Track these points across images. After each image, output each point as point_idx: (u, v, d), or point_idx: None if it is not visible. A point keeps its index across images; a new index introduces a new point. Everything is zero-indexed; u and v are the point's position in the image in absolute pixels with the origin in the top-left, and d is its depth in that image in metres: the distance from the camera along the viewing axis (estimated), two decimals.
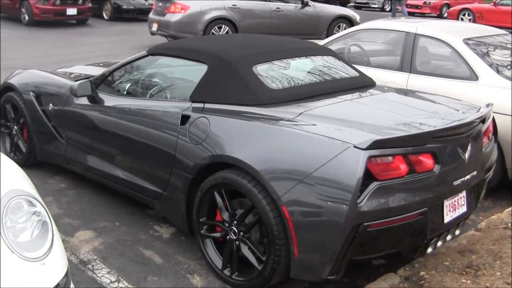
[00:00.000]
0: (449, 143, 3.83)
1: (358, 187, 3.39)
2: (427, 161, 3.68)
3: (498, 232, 4.79)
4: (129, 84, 5.28)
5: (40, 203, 2.95)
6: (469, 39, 6.23)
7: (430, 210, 3.72)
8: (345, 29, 14.60)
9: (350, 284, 4.14)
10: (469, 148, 3.99)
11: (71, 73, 6.28)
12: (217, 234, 4.12)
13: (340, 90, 4.66)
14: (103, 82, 5.36)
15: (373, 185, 3.46)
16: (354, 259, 3.64)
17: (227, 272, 4.05)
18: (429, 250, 4.02)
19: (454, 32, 6.53)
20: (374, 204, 3.46)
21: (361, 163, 3.41)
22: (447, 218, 3.92)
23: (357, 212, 3.41)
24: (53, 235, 2.87)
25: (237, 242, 3.95)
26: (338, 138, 3.59)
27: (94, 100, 5.19)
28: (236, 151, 3.92)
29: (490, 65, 5.86)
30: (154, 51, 5.18)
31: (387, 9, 30.62)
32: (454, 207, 3.99)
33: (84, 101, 5.27)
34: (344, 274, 3.72)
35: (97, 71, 5.93)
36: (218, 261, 4.12)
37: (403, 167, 3.56)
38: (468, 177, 4.01)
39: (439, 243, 4.07)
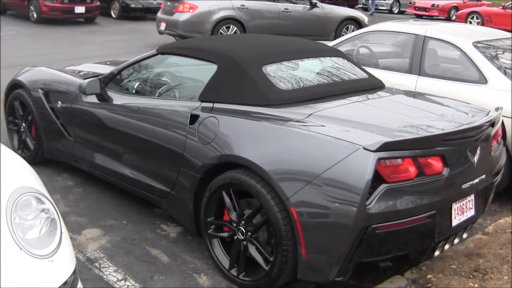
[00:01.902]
0: (458, 146, 3.82)
1: (367, 189, 3.38)
2: (436, 164, 3.67)
3: (505, 236, 4.78)
4: (138, 83, 5.28)
5: (49, 200, 2.95)
6: (478, 42, 6.22)
7: (439, 213, 3.71)
8: (353, 30, 14.60)
9: (356, 286, 4.13)
10: (478, 151, 3.98)
11: (80, 71, 6.29)
12: (225, 234, 4.12)
13: (349, 91, 4.65)
14: (112, 80, 5.36)
15: (382, 187, 3.45)
16: (361, 261, 3.63)
17: (234, 272, 4.05)
18: (437, 253, 4.01)
19: (464, 35, 6.51)
20: (383, 206, 3.45)
21: (370, 165, 3.40)
22: (455, 222, 3.91)
23: (365, 214, 3.40)
24: (61, 232, 2.87)
25: (244, 242, 3.94)
26: (347, 139, 3.59)
27: (103, 98, 5.20)
28: (244, 151, 3.92)
29: (499, 69, 5.85)
30: (164, 50, 5.18)
31: (395, 11, 30.65)
32: (462, 211, 3.98)
33: (93, 99, 5.28)
34: (351, 276, 3.71)
35: (105, 69, 5.94)
36: (225, 261, 4.12)
37: (412, 170, 3.55)
38: (476, 180, 4.00)
39: (447, 246, 4.05)
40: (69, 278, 2.77)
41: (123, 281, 4.04)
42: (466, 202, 4.01)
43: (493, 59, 6.00)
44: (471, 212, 4.09)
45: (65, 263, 2.80)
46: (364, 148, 3.45)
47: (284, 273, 3.74)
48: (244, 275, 4.00)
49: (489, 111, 4.50)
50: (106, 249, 4.48)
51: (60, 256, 2.77)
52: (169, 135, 4.51)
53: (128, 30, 18.38)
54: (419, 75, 6.27)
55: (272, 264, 3.78)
